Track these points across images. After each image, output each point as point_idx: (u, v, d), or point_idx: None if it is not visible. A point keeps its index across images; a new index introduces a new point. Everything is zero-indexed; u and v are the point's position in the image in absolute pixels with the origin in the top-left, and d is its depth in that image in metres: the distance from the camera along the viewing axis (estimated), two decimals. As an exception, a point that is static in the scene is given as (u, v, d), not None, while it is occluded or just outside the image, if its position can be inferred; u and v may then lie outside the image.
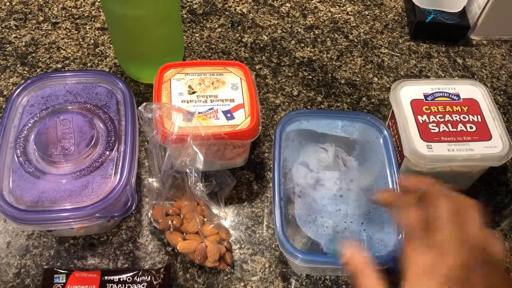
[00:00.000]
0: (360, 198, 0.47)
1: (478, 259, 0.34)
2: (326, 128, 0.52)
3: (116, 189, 0.45)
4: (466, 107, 0.53)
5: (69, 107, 0.51)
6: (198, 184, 0.47)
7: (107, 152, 0.48)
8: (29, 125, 0.49)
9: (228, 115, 0.51)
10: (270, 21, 0.75)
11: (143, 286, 0.47)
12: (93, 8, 0.75)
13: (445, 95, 0.54)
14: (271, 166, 0.48)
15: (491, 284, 0.33)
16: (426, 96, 0.54)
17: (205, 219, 0.49)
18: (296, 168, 0.49)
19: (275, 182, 0.47)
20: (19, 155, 0.47)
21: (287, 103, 0.64)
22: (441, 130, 0.51)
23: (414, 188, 0.40)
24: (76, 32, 0.72)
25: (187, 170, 0.47)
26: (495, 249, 0.35)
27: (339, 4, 0.79)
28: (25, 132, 0.48)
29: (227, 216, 0.53)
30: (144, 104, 0.48)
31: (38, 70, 0.66)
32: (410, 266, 0.34)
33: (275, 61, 0.70)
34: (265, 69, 0.68)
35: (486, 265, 0.34)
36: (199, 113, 0.50)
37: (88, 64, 0.67)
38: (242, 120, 0.50)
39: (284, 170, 0.49)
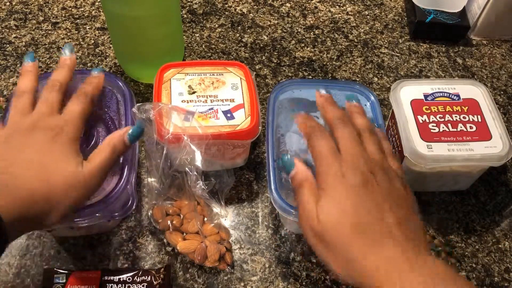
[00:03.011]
0: None
1: (378, 164, 0.39)
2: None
3: (117, 189, 0.45)
4: (466, 107, 0.53)
5: None
6: (198, 182, 0.47)
7: None
8: None
9: (228, 115, 0.51)
10: (270, 21, 0.75)
11: (143, 286, 0.47)
12: (93, 8, 0.75)
13: (445, 95, 0.54)
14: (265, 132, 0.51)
15: (391, 187, 0.38)
16: (426, 96, 0.54)
17: (205, 219, 0.49)
18: (289, 135, 0.51)
19: (269, 146, 0.49)
20: None
21: (287, 103, 0.64)
22: (441, 130, 0.51)
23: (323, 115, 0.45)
24: (76, 32, 0.72)
25: (187, 169, 0.47)
26: (392, 164, 0.41)
27: (339, 4, 0.79)
28: None
29: (227, 215, 0.53)
30: (138, 105, 0.48)
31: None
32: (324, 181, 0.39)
33: (275, 61, 0.70)
34: (265, 69, 0.68)
35: (386, 170, 0.40)
36: (199, 113, 0.50)
37: (88, 64, 0.67)
38: (242, 120, 0.50)
39: (277, 135, 0.51)
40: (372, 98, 0.55)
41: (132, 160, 0.47)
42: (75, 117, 0.43)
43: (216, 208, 0.48)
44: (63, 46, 0.48)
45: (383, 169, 0.39)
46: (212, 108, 0.51)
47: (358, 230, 0.36)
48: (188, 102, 0.51)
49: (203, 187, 0.47)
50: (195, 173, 0.46)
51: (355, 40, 0.73)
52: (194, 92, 0.52)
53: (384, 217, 0.36)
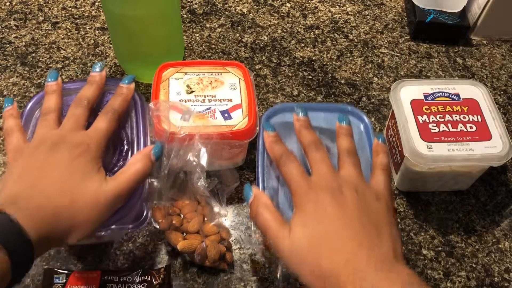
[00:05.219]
0: None
1: (350, 184, 0.41)
2: (310, 119, 0.50)
3: (131, 201, 0.44)
4: (466, 107, 0.53)
5: None
6: (200, 180, 0.47)
7: (121, 162, 0.47)
8: None
9: (226, 115, 0.51)
10: (270, 21, 0.75)
11: (143, 286, 0.47)
12: (93, 8, 0.75)
13: (445, 95, 0.54)
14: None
15: (363, 202, 0.40)
16: (426, 96, 0.54)
17: (206, 219, 0.49)
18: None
19: (259, 174, 0.48)
20: None
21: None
22: (441, 130, 0.51)
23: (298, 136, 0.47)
24: (76, 32, 0.72)
25: (188, 167, 0.47)
26: (376, 182, 0.43)
27: (339, 4, 0.79)
28: None
29: (227, 214, 0.53)
30: (154, 101, 0.49)
31: (38, 70, 0.66)
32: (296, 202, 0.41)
33: (275, 61, 0.70)
34: (265, 69, 0.68)
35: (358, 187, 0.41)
36: (197, 112, 0.50)
37: (88, 64, 0.67)
38: (239, 120, 0.50)
39: (269, 160, 0.49)
40: (366, 120, 0.51)
41: None
42: (100, 136, 0.43)
43: (216, 208, 0.48)
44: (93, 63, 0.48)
45: (355, 188, 0.41)
46: (209, 108, 0.51)
47: (326, 239, 0.37)
48: (186, 102, 0.51)
49: (205, 185, 0.47)
50: (198, 170, 0.46)
51: (355, 40, 0.73)
52: (192, 92, 0.52)
53: (354, 227, 0.38)
